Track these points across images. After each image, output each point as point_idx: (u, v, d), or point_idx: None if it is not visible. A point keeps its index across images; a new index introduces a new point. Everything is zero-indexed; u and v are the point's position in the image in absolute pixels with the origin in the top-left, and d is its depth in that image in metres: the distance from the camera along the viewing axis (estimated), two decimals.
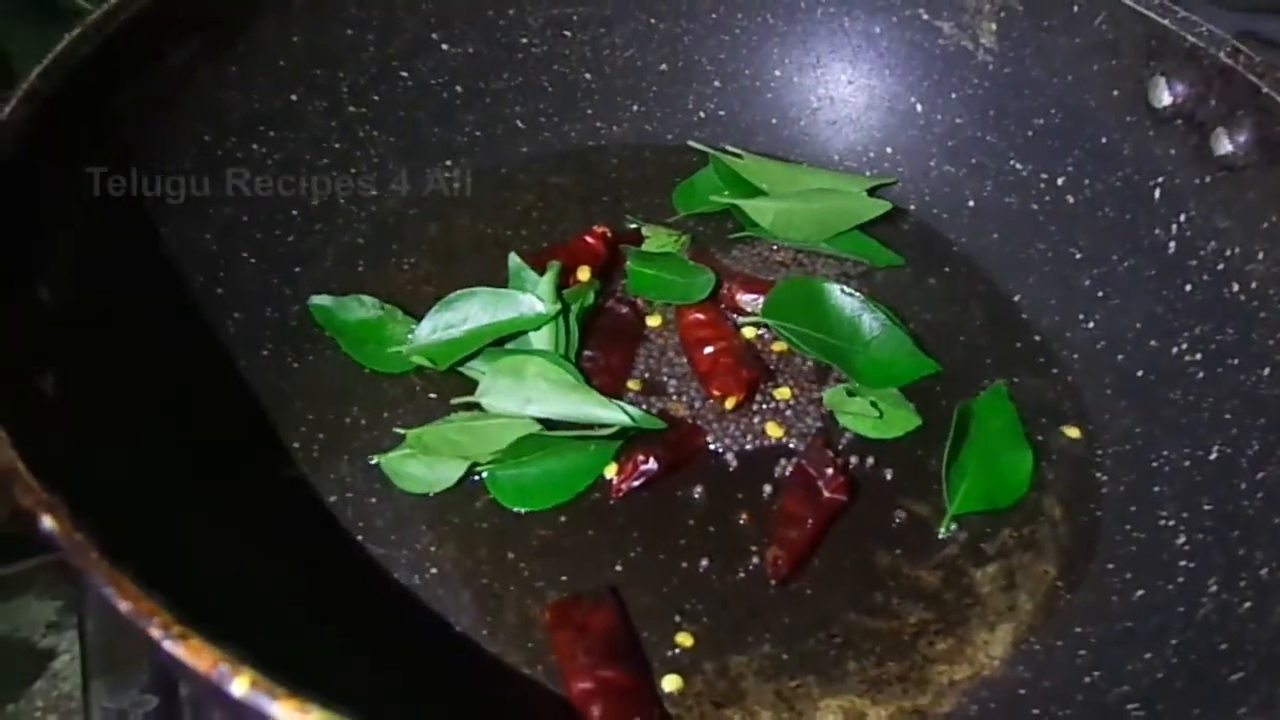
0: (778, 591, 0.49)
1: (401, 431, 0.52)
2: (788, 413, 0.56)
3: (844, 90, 0.70)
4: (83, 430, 0.42)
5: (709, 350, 0.56)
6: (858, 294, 0.58)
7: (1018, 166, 0.65)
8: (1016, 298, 0.64)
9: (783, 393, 0.56)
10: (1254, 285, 0.54)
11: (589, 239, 0.61)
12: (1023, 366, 0.60)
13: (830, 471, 0.52)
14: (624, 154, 0.70)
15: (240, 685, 0.27)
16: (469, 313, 0.55)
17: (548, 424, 0.51)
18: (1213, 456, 0.52)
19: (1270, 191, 0.53)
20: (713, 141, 0.69)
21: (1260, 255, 0.54)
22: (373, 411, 0.54)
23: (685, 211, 0.66)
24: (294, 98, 0.60)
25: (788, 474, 0.53)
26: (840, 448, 0.55)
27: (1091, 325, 0.61)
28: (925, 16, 0.67)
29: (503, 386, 0.52)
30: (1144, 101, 0.59)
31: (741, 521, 0.51)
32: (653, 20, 0.70)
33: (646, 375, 0.57)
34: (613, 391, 0.55)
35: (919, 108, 0.69)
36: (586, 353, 0.56)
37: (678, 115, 0.71)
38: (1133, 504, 0.53)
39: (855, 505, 0.52)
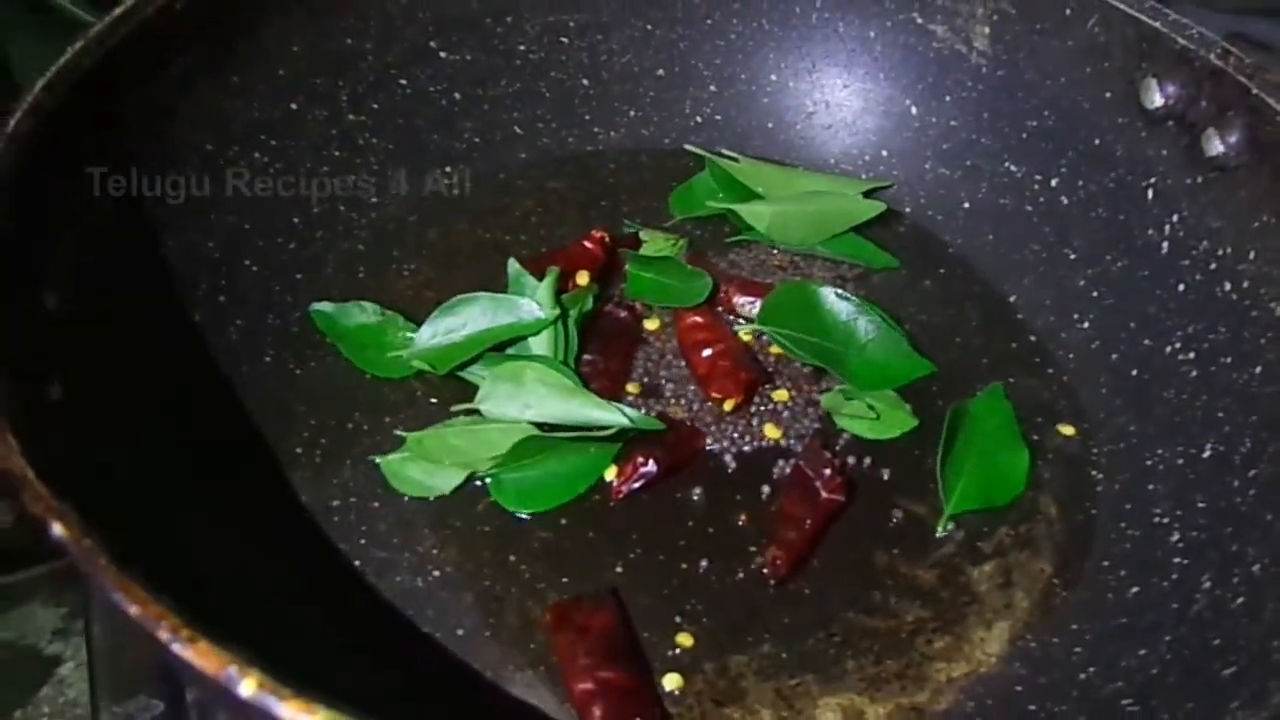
0: (777, 591, 0.50)
1: (402, 435, 0.53)
2: (785, 414, 0.56)
3: (839, 94, 0.71)
4: (87, 435, 0.43)
5: (707, 353, 0.57)
6: (853, 297, 0.59)
7: (1012, 168, 0.66)
8: (1011, 298, 0.64)
9: (780, 395, 0.57)
10: (1246, 285, 0.54)
11: (587, 243, 0.61)
12: (1018, 366, 0.61)
13: (828, 472, 0.52)
14: (621, 159, 0.71)
15: (248, 686, 0.28)
16: (468, 318, 0.56)
17: (547, 428, 0.52)
18: (1206, 454, 0.53)
19: (1261, 191, 0.54)
20: (709, 146, 0.70)
21: (1252, 255, 0.54)
22: (374, 416, 0.55)
23: (682, 215, 0.67)
24: (294, 106, 0.61)
25: (786, 475, 0.54)
26: (838, 449, 0.55)
27: (1086, 325, 0.61)
28: (919, 20, 0.68)
29: (502, 392, 0.52)
30: (1136, 103, 0.59)
31: (740, 522, 0.52)
32: (649, 26, 0.71)
33: (645, 378, 0.58)
34: (612, 395, 0.55)
35: (913, 111, 0.69)
36: (585, 356, 0.57)
37: (674, 120, 0.72)
38: (1127, 502, 0.54)
39: (853, 505, 0.53)
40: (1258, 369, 0.53)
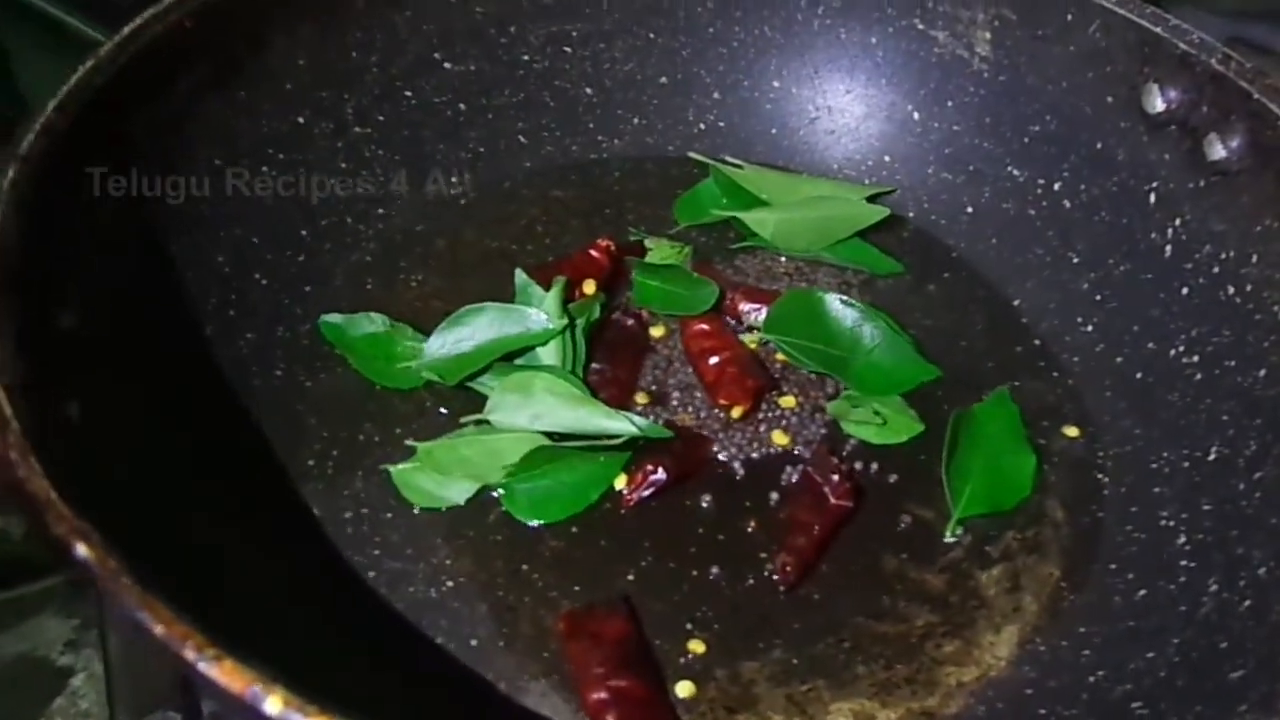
0: (787, 597, 0.50)
1: (413, 444, 0.53)
2: (793, 420, 0.57)
3: (842, 100, 0.71)
4: (105, 454, 0.43)
5: (714, 360, 0.57)
6: (857, 304, 0.59)
7: (1015, 173, 0.66)
8: (1016, 302, 0.65)
9: (788, 401, 0.57)
10: (1249, 288, 0.55)
11: (593, 252, 0.62)
12: (1023, 370, 0.61)
13: (836, 478, 0.53)
14: (625, 167, 0.71)
15: (273, 704, 0.28)
16: (477, 328, 0.56)
17: (557, 437, 0.52)
18: (1211, 457, 0.53)
19: (1263, 195, 0.54)
20: (713, 153, 0.70)
21: (1254, 259, 0.55)
22: (385, 428, 0.55)
23: (687, 223, 0.67)
24: (301, 120, 0.61)
25: (794, 481, 0.54)
26: (845, 454, 0.56)
27: (1090, 328, 0.62)
28: (920, 26, 0.68)
29: (511, 402, 0.53)
30: (1137, 108, 0.60)
31: (750, 529, 0.52)
32: (652, 35, 0.71)
33: (653, 386, 0.58)
34: (620, 403, 0.56)
35: (916, 116, 0.70)
36: (594, 365, 0.57)
37: (678, 127, 0.72)
38: (1134, 505, 0.54)
39: (861, 511, 0.53)
40: (1261, 372, 0.53)
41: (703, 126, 0.72)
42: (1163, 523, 0.53)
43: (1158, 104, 0.59)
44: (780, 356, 0.60)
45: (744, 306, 0.61)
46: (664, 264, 0.63)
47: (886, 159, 0.70)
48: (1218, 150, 0.56)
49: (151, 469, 0.45)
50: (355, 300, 0.60)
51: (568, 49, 0.70)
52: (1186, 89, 0.58)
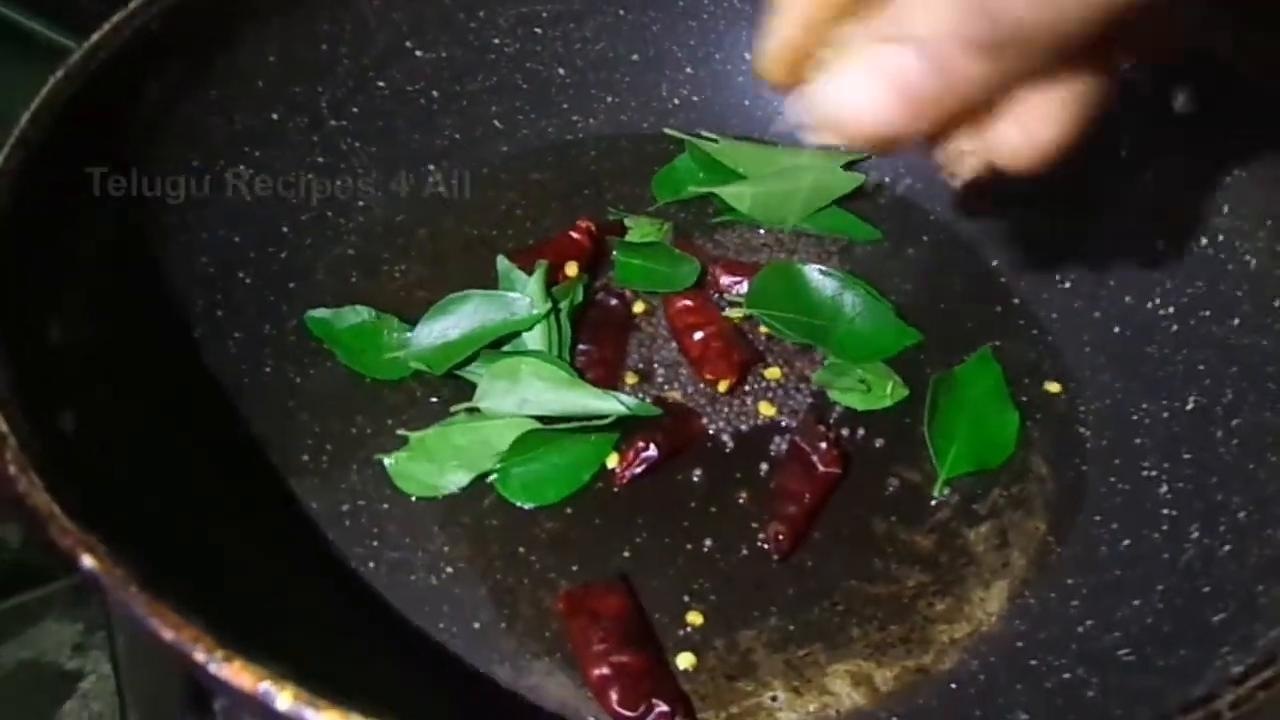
0: (780, 566, 0.51)
1: (405, 434, 0.54)
2: (779, 392, 0.58)
3: None
4: (102, 461, 0.44)
5: (699, 336, 0.58)
6: (837, 273, 0.60)
7: None
8: (994, 263, 0.65)
9: (773, 373, 0.58)
10: (1220, 238, 0.56)
11: (574, 234, 0.62)
12: (1003, 329, 0.62)
13: (823, 446, 0.54)
14: (601, 146, 0.71)
15: (284, 700, 0.29)
16: (461, 317, 0.57)
17: (547, 421, 0.53)
18: (1189, 407, 0.54)
19: (1230, 146, 0.55)
20: (688, 127, 0.70)
21: (1225, 209, 0.56)
22: (376, 419, 0.56)
23: (665, 199, 0.67)
24: (275, 116, 0.61)
25: (783, 451, 0.55)
26: (831, 422, 0.57)
27: (1067, 285, 0.62)
28: None
29: (499, 388, 0.54)
30: None
31: (741, 500, 0.53)
32: (621, 11, 0.71)
33: (640, 364, 0.59)
34: (608, 383, 0.57)
35: None
36: (580, 346, 0.58)
37: (652, 104, 0.72)
38: (1116, 457, 0.55)
39: (849, 476, 0.54)
40: (1235, 320, 0.54)
41: (676, 102, 0.72)
42: (1144, 473, 0.54)
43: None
44: (764, 329, 0.60)
45: (725, 280, 0.62)
46: (645, 242, 0.63)
47: None
48: (1184, 102, 0.57)
49: (148, 474, 0.45)
50: (340, 294, 0.61)
51: (538, 30, 0.70)
52: None
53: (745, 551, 0.51)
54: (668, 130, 0.70)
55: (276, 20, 0.60)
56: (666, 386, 0.58)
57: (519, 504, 0.53)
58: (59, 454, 0.38)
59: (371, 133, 0.66)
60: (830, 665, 0.48)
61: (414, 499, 0.53)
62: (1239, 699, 0.32)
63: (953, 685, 0.48)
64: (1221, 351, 0.54)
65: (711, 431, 0.56)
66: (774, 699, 0.47)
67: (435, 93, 0.68)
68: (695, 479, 0.54)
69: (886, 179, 0.69)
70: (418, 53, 0.67)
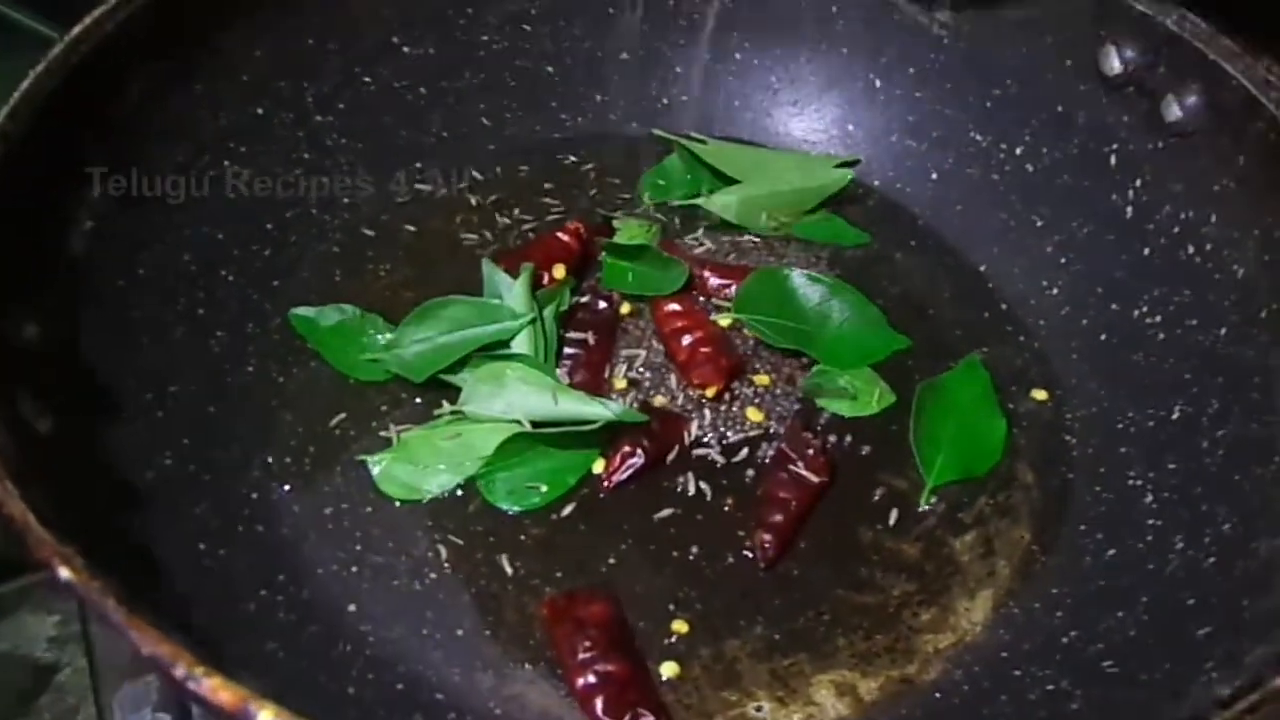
0: (766, 574, 0.51)
1: (388, 436, 0.54)
2: (767, 398, 0.57)
3: (803, 70, 0.71)
4: (79, 467, 0.43)
5: (686, 340, 0.58)
6: (825, 278, 0.60)
7: (977, 138, 0.67)
8: (982, 268, 0.65)
9: (761, 379, 0.58)
10: (1208, 247, 0.56)
11: (562, 235, 0.62)
12: (991, 336, 0.62)
13: (810, 453, 0.53)
14: (590, 145, 0.70)
15: (265, 718, 0.29)
16: (444, 323, 0.56)
17: (533, 425, 0.53)
18: (1175, 416, 0.54)
19: (1219, 156, 0.55)
20: (676, 128, 0.70)
21: (1213, 218, 0.56)
22: (360, 421, 0.55)
23: (653, 201, 0.67)
24: (261, 111, 0.61)
25: (770, 458, 0.55)
26: (819, 429, 0.56)
27: (1055, 291, 0.62)
28: None
29: (484, 393, 0.53)
30: (1096, 70, 0.60)
31: (727, 508, 0.53)
32: (611, 10, 0.70)
33: (626, 368, 0.58)
34: (595, 387, 0.56)
35: (878, 84, 0.70)
36: (567, 350, 0.58)
37: (641, 104, 0.72)
38: (1101, 466, 0.55)
39: (836, 484, 0.54)
40: (1222, 330, 0.54)
41: (665, 102, 0.72)
42: (1130, 482, 0.54)
43: (1115, 65, 0.59)
44: (749, 333, 0.60)
45: (714, 282, 0.61)
46: (633, 244, 0.63)
47: (850, 128, 0.70)
48: (1174, 111, 0.57)
49: (127, 478, 0.45)
50: (324, 293, 0.60)
51: (526, 28, 0.70)
52: (1143, 50, 0.58)
53: (731, 560, 0.51)
54: (657, 131, 0.70)
55: (263, 14, 0.60)
56: (653, 392, 0.57)
57: (504, 509, 0.52)
58: (35, 460, 0.37)
59: (358, 129, 0.65)
60: (815, 675, 0.48)
61: (398, 503, 0.52)
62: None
63: (937, 695, 0.48)
64: (1208, 361, 0.54)
65: (698, 438, 0.56)
66: (758, 709, 0.47)
67: (423, 90, 0.67)
68: (681, 485, 0.54)
69: (876, 182, 0.69)
70: (405, 49, 0.67)
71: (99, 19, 0.51)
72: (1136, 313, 0.58)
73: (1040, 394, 0.59)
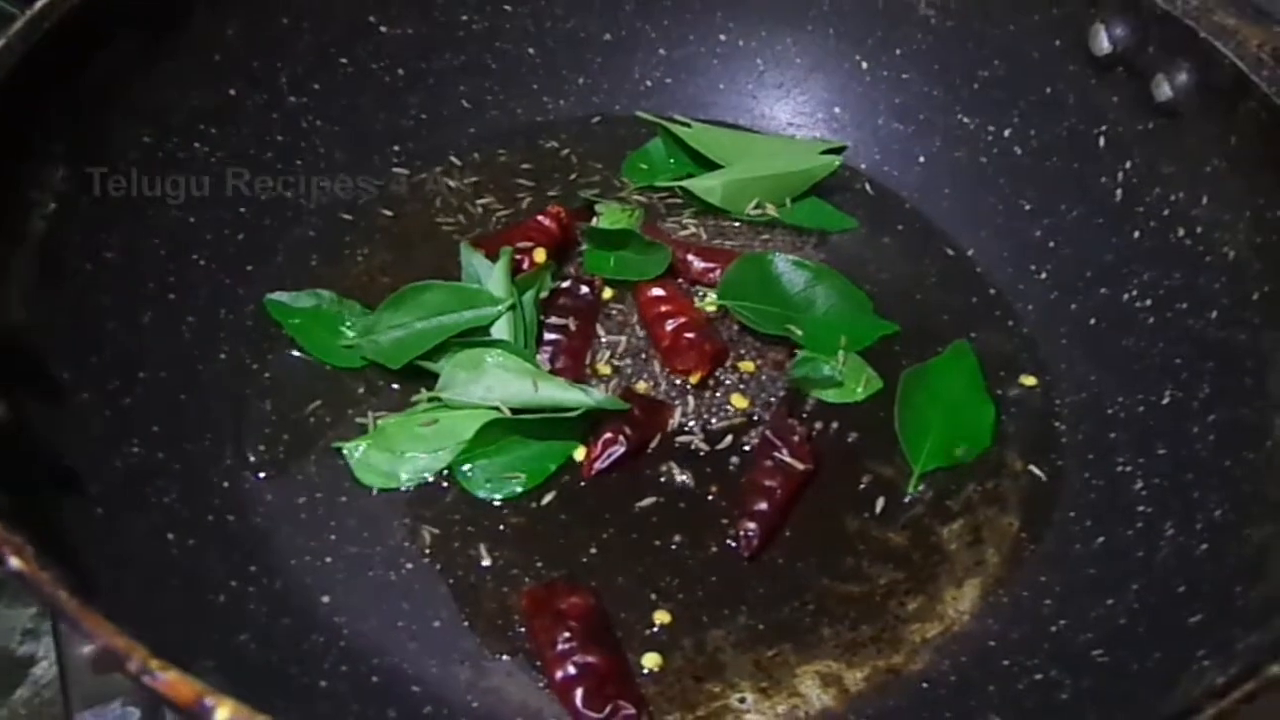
0: (750, 563, 0.50)
1: (364, 423, 0.52)
2: (752, 384, 0.56)
3: (789, 52, 0.70)
4: (37, 456, 0.42)
5: (670, 326, 0.57)
6: (810, 263, 0.59)
7: (965, 120, 0.66)
8: (970, 252, 0.64)
9: (746, 365, 0.57)
10: (1199, 230, 0.55)
11: (543, 219, 0.60)
12: (979, 321, 0.61)
13: (795, 440, 0.52)
14: (572, 128, 0.69)
15: (222, 714, 0.28)
16: (421, 309, 0.55)
17: (513, 412, 0.52)
18: (1165, 401, 0.53)
19: (1210, 136, 0.54)
20: (661, 110, 0.69)
21: (1204, 200, 0.55)
22: (336, 408, 0.54)
23: (636, 184, 0.66)
24: (233, 92, 0.59)
25: (754, 445, 0.54)
26: (805, 416, 0.55)
27: (1044, 276, 0.62)
28: None
29: (462, 379, 0.52)
30: (1085, 50, 0.59)
31: (711, 496, 0.52)
32: None
33: (608, 353, 0.57)
34: (576, 374, 0.55)
35: (864, 66, 0.69)
36: (547, 336, 0.56)
37: (624, 86, 0.70)
38: (1091, 452, 0.54)
39: (822, 472, 0.53)
40: (1213, 313, 0.53)
41: (649, 84, 0.71)
42: (1119, 469, 0.53)
43: (1104, 45, 0.58)
44: (733, 318, 0.59)
45: (698, 267, 0.60)
46: (614, 229, 0.61)
47: (836, 110, 0.69)
48: (1165, 91, 0.56)
49: (89, 468, 0.43)
50: (299, 278, 0.59)
51: (507, 8, 0.68)
52: (1132, 29, 0.57)
53: (715, 549, 0.50)
54: (640, 113, 0.69)
55: None
56: (636, 378, 0.56)
57: (482, 497, 0.51)
58: None
59: (334, 111, 0.64)
60: (800, 666, 0.47)
61: (374, 492, 0.51)
62: (1222, 713, 0.32)
63: (924, 685, 0.47)
64: (1199, 345, 0.53)
65: (682, 425, 0.55)
66: (742, 700, 0.46)
67: (401, 71, 0.66)
68: (664, 473, 0.53)
69: (862, 166, 0.68)
70: (382, 29, 0.65)
71: None
72: (1126, 296, 0.57)
73: (1029, 380, 0.58)
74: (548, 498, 0.51)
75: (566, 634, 0.45)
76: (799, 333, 0.57)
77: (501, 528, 0.50)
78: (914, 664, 0.47)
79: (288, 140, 0.62)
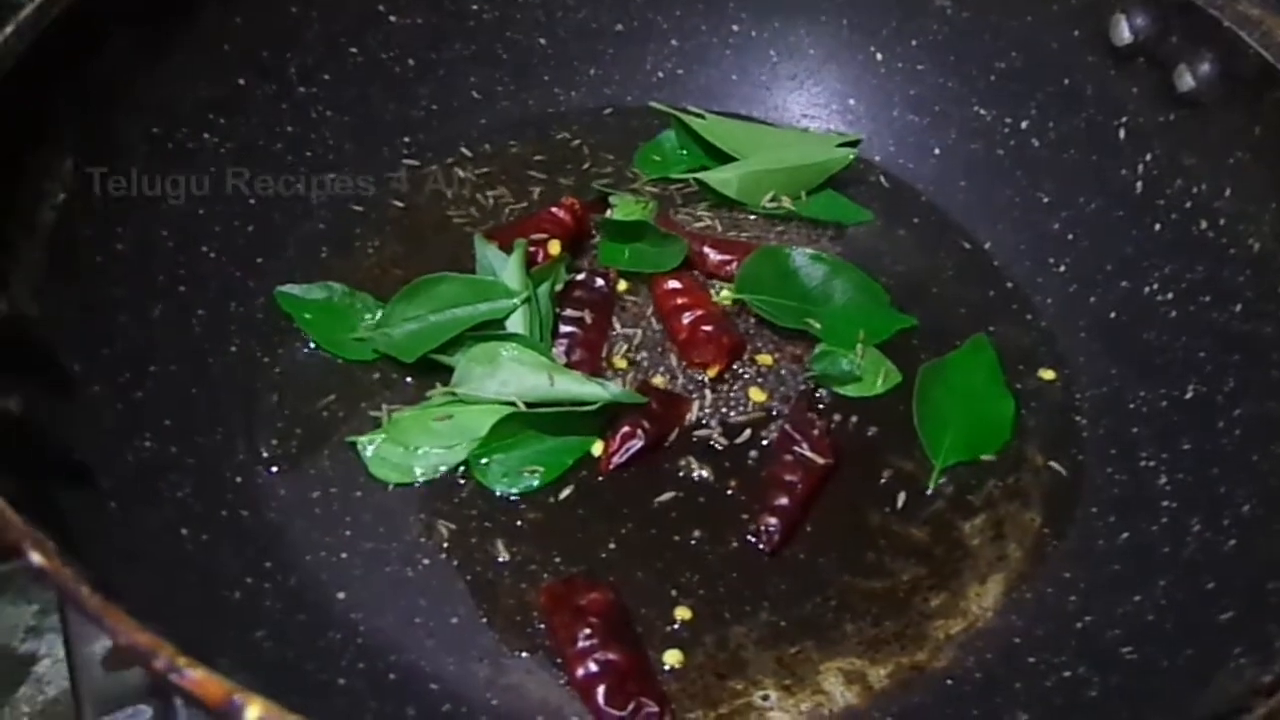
0: (771, 559, 0.49)
1: (377, 416, 0.52)
2: (770, 378, 0.56)
3: (803, 42, 0.69)
4: (51, 450, 0.41)
5: (687, 319, 0.56)
6: (827, 256, 0.58)
7: (981, 112, 0.65)
8: (987, 245, 0.64)
9: (764, 358, 0.56)
10: (1222, 222, 0.54)
11: (557, 211, 0.60)
12: (997, 314, 0.60)
13: (815, 434, 0.52)
14: (584, 119, 0.69)
15: (252, 713, 0.27)
16: (434, 302, 0.54)
17: (529, 406, 0.51)
18: (1189, 396, 0.53)
19: (1234, 127, 0.53)
20: (674, 101, 0.68)
21: (1227, 192, 0.54)
22: (349, 402, 0.54)
23: (650, 176, 0.65)
24: (242, 82, 0.59)
25: (774, 440, 0.53)
26: (823, 409, 0.55)
27: (1063, 269, 0.61)
28: None
29: (477, 374, 0.51)
30: (1105, 40, 0.59)
31: (730, 491, 0.51)
32: None
33: (625, 346, 0.57)
34: (593, 367, 0.55)
35: (879, 57, 0.68)
36: (563, 329, 0.56)
37: (636, 77, 0.70)
38: (1113, 447, 0.54)
39: (842, 466, 0.52)
40: (1238, 306, 0.53)
41: (661, 75, 0.70)
42: (1143, 464, 0.52)
43: (1125, 35, 0.58)
44: (751, 310, 0.58)
45: (714, 259, 0.60)
46: (629, 220, 0.61)
47: (851, 102, 0.69)
48: (1187, 81, 0.55)
49: (103, 461, 0.43)
50: (310, 271, 0.58)
51: None
52: (1154, 17, 0.57)
53: (735, 544, 0.50)
54: (653, 104, 0.68)
55: None
56: (653, 371, 0.56)
57: (499, 491, 0.50)
58: (4, 439, 0.35)
59: (344, 102, 0.63)
60: (823, 663, 0.46)
61: (389, 486, 0.50)
62: (1273, 712, 0.31)
63: (949, 682, 0.46)
64: (1223, 338, 0.53)
65: (700, 419, 0.54)
66: (765, 698, 0.45)
67: (411, 61, 0.65)
68: (683, 467, 0.52)
69: (877, 158, 0.67)
70: (392, 18, 0.65)
71: None
72: (1147, 290, 0.57)
73: (1048, 374, 0.58)
74: (565, 492, 0.51)
75: (587, 630, 0.45)
76: (817, 326, 0.56)
77: (519, 523, 0.50)
78: (938, 661, 0.47)
79: (297, 131, 0.61)
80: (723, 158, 0.65)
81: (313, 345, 0.55)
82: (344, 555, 0.48)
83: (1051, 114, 0.62)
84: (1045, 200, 0.62)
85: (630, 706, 0.43)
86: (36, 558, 0.29)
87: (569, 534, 0.49)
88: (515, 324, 0.54)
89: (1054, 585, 0.49)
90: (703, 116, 0.66)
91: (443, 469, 0.51)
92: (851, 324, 0.57)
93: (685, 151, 0.66)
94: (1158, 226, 0.57)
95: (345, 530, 0.49)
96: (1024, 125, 0.63)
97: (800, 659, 0.46)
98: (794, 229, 0.63)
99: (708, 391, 0.55)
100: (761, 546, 0.49)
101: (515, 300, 0.54)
